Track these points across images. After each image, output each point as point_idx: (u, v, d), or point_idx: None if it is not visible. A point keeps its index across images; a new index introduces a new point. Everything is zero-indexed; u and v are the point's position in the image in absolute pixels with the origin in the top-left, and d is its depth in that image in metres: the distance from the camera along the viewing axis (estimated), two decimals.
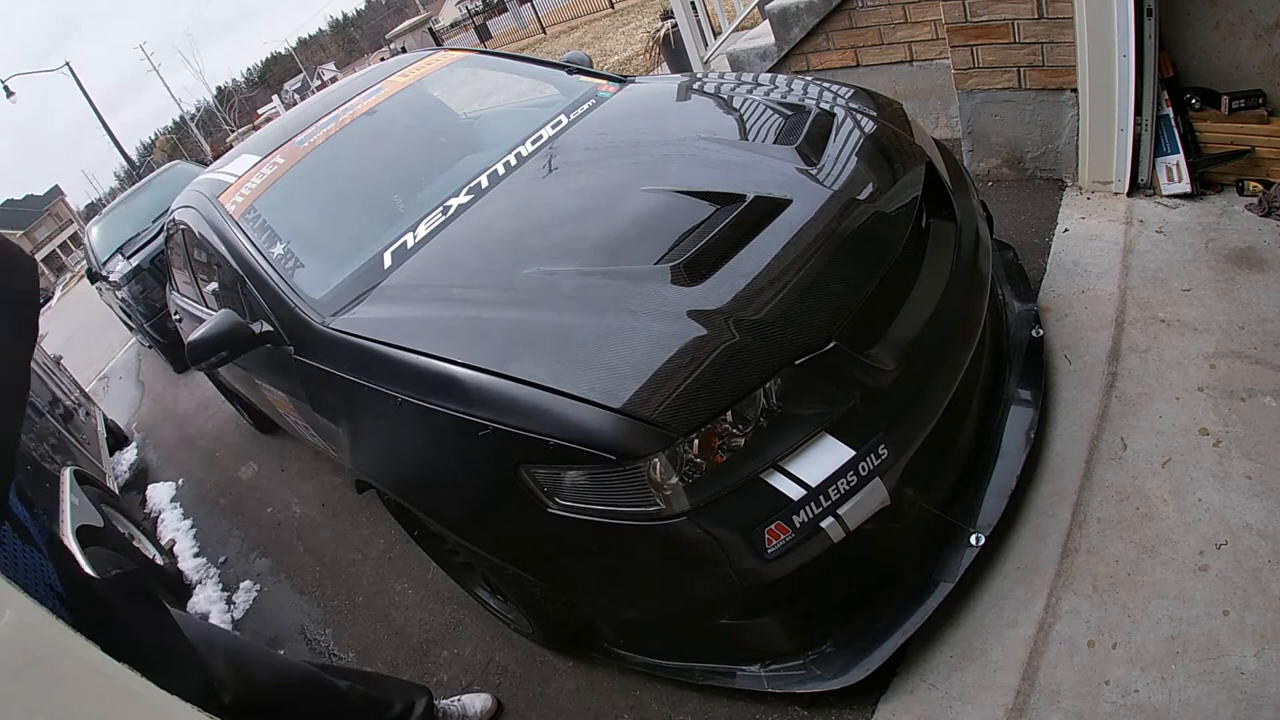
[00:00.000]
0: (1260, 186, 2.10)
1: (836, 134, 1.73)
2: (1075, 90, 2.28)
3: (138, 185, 6.46)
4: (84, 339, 9.25)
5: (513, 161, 2.06)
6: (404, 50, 7.13)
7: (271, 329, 1.85)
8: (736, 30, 3.88)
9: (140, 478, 4.18)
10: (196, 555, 3.05)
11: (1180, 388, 1.67)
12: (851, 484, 1.23)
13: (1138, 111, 2.16)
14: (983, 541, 1.43)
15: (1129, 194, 2.30)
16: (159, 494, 3.75)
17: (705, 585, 1.29)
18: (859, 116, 1.81)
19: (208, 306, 2.52)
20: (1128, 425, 1.64)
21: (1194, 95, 2.20)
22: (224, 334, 1.77)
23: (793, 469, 1.23)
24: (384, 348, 1.54)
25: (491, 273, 1.64)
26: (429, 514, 1.56)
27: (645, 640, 1.58)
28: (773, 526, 1.21)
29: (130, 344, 7.31)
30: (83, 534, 2.17)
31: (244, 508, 3.21)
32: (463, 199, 1.96)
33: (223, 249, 2.05)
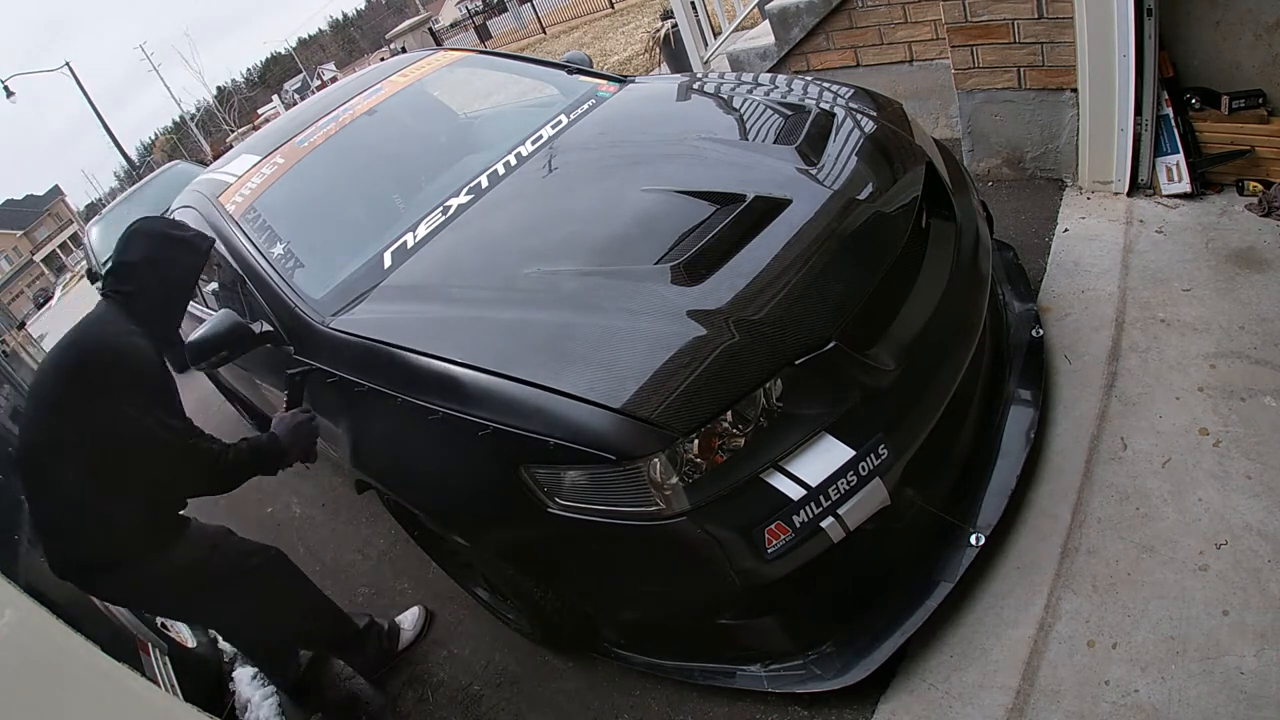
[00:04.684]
0: (1260, 186, 2.10)
1: (836, 134, 1.73)
2: (1075, 90, 2.28)
3: (138, 185, 6.46)
4: None
5: (513, 161, 2.06)
6: (404, 50, 7.12)
7: (272, 329, 1.85)
8: (736, 30, 3.87)
9: None
10: None
11: (1180, 388, 1.67)
12: (851, 484, 1.23)
13: (1138, 111, 2.16)
14: (983, 541, 1.43)
15: (1129, 194, 2.29)
16: None
17: (705, 585, 1.29)
18: (859, 116, 1.81)
19: (208, 306, 2.52)
20: (1128, 425, 1.63)
21: (1194, 95, 2.20)
22: (224, 334, 1.77)
23: (793, 469, 1.23)
24: (384, 348, 1.54)
25: (492, 273, 1.64)
26: (429, 514, 1.56)
27: (645, 640, 1.58)
28: (773, 526, 1.21)
29: None
30: None
31: (244, 508, 3.20)
32: (463, 199, 1.96)
33: (223, 249, 2.05)
